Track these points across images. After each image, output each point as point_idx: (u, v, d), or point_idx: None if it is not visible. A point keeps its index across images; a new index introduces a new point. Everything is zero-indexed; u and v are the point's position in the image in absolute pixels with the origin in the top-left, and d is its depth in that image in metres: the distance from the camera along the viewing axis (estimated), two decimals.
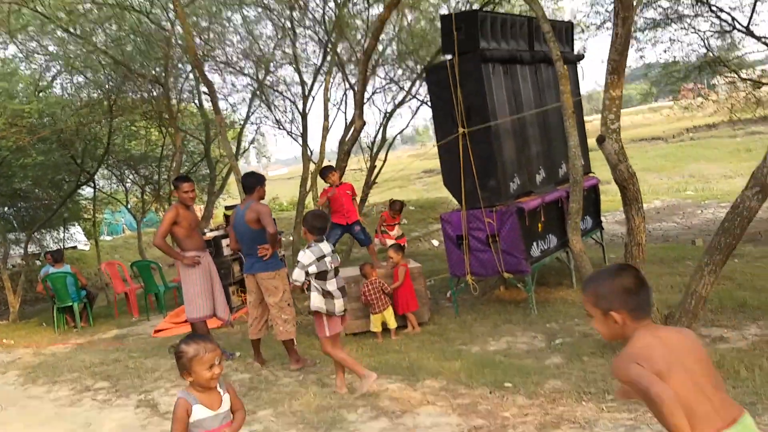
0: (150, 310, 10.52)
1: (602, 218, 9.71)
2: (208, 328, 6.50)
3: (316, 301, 4.73)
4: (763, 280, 7.35)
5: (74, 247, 18.90)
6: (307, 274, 4.68)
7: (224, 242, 9.68)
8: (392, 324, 7.05)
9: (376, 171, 13.67)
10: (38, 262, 15.88)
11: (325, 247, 4.81)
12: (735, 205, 4.73)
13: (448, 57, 7.35)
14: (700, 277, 4.90)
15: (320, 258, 4.73)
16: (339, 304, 4.77)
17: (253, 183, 5.99)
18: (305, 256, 4.69)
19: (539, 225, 7.59)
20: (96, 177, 14.41)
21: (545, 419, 3.79)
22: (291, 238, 14.25)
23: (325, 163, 11.01)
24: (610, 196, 19.22)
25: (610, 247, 10.48)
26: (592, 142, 9.18)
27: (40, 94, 11.90)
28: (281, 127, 14.29)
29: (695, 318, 5.09)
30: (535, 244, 7.51)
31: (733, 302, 6.55)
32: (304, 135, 12.85)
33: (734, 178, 24.95)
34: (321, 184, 9.85)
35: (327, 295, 4.74)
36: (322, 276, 4.74)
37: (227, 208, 11.26)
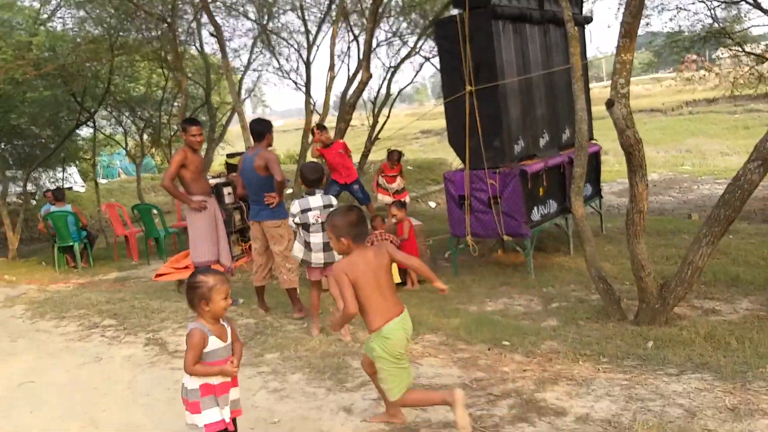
0: (150, 255, 10.62)
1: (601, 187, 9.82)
2: None
3: (296, 249, 5.16)
4: (756, 256, 7.52)
5: (70, 188, 18.84)
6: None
7: (225, 190, 9.74)
8: (396, 279, 7.16)
9: (378, 126, 13.65)
10: (33, 202, 15.88)
11: (315, 200, 5.06)
12: (736, 178, 4.82)
13: (458, 11, 7.31)
14: (698, 248, 5.01)
15: (305, 210, 5.02)
16: (316, 256, 5.07)
17: (262, 130, 5.99)
18: (293, 206, 5.06)
19: (541, 189, 7.69)
20: (95, 117, 14.29)
21: (543, 375, 3.96)
22: (290, 191, 14.32)
23: (329, 117, 11.02)
24: (608, 167, 19.34)
25: (606, 217, 10.62)
26: (595, 109, 9.29)
27: (41, 28, 11.67)
28: (285, 75, 14.17)
29: (690, 288, 5.23)
30: (535, 208, 7.62)
31: (726, 276, 6.72)
32: (307, 85, 12.77)
33: (731, 155, 25.08)
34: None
35: (306, 245, 5.07)
36: (305, 228, 5.04)
37: (229, 156, 11.28)
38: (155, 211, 10.81)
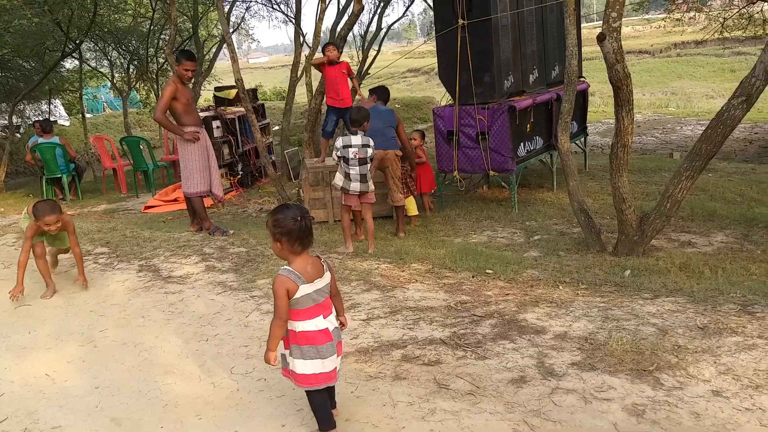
0: (138, 188, 10.65)
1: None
2: (204, 204, 6.71)
3: (337, 179, 5.90)
4: (733, 192, 7.73)
5: (55, 122, 18.61)
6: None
7: (214, 124, 9.76)
8: (413, 211, 7.33)
9: (368, 62, 13.54)
10: (18, 135, 15.72)
11: (356, 139, 5.75)
12: (720, 113, 4.93)
13: None
14: (678, 182, 5.16)
15: (346, 146, 5.75)
16: (354, 185, 5.81)
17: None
18: (338, 141, 5.80)
19: (528, 125, 7.78)
20: (81, 49, 14.02)
21: (525, 299, 4.14)
22: (277, 127, 14.27)
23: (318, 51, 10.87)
24: (593, 107, 19.35)
25: (590, 156, 10.76)
26: (584, 49, 9.28)
27: None
28: (273, 6, 13.90)
29: (668, 221, 5.40)
30: (522, 144, 7.72)
31: (703, 211, 6.93)
32: (297, 16, 12.52)
33: (716, 98, 25.18)
34: (315, 74, 9.74)
35: (346, 176, 5.81)
36: (345, 161, 5.78)
37: (217, 89, 11.22)
38: (144, 144, 10.78)
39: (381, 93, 7.14)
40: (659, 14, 31.64)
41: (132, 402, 3.14)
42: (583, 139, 9.81)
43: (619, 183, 5.42)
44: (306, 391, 2.67)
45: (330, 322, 2.67)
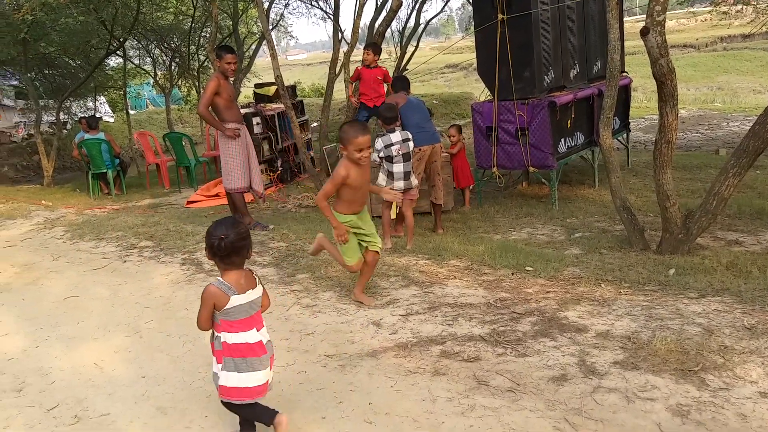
0: (180, 183, 10.84)
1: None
2: (244, 199, 6.79)
3: (380, 179, 5.90)
4: None
5: (100, 118, 19.08)
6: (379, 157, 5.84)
7: (254, 120, 9.87)
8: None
9: (406, 58, 13.52)
10: (65, 131, 16.15)
11: (395, 136, 5.75)
12: None
13: None
14: (725, 179, 5.04)
15: (388, 145, 5.75)
16: (397, 184, 5.83)
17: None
18: (378, 143, 5.77)
19: (569, 121, 7.69)
20: (124, 47, 14.33)
21: (566, 297, 4.10)
22: (315, 123, 14.35)
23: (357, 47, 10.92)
24: (636, 103, 19.01)
25: (632, 152, 10.57)
26: (626, 43, 9.10)
27: None
28: (312, 3, 13.98)
29: (714, 219, 5.28)
30: (563, 140, 7.64)
31: (751, 209, 6.75)
32: (336, 12, 12.57)
33: (763, 93, 24.48)
34: (353, 69, 9.78)
35: (390, 175, 5.84)
36: (389, 160, 5.79)
37: (257, 86, 11.34)
38: (186, 140, 10.97)
39: (405, 84, 6.94)
40: (705, 7, 30.87)
41: (177, 391, 3.21)
42: (625, 136, 9.64)
43: (663, 180, 5.31)
44: (233, 404, 2.64)
45: (263, 335, 2.67)
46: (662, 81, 5.07)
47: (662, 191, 5.33)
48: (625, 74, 8.99)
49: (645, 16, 5.19)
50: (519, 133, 7.41)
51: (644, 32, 5.01)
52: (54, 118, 14.03)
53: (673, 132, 5.22)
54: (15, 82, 15.50)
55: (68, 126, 16.24)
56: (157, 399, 3.16)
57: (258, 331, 2.64)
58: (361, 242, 4.13)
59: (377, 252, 4.20)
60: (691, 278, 4.53)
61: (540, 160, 7.42)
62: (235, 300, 2.55)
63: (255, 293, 2.64)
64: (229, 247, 2.54)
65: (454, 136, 7.96)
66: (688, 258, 5.15)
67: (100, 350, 3.80)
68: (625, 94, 9.08)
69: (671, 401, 2.74)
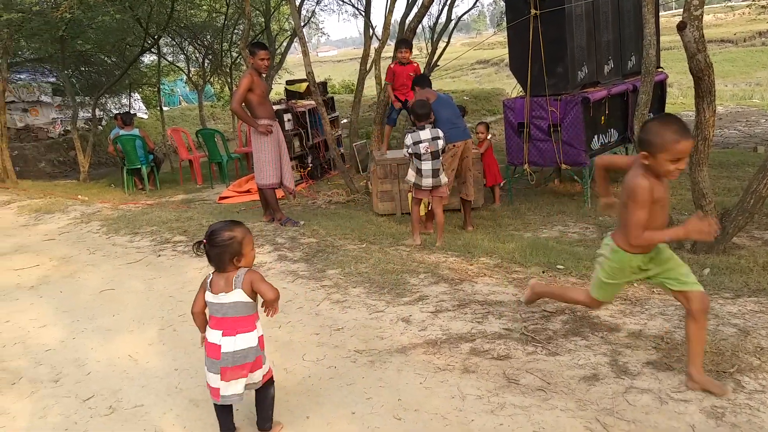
0: (213, 179, 10.97)
1: None
2: (276, 195, 6.85)
3: (409, 175, 5.92)
4: None
5: (134, 115, 19.39)
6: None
7: (285, 117, 9.94)
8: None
9: (437, 54, 13.47)
10: (100, 128, 16.45)
11: (425, 133, 5.74)
12: None
13: None
14: (763, 177, 4.93)
15: (416, 142, 5.74)
16: (426, 181, 5.83)
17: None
18: (407, 139, 5.82)
19: (602, 117, 7.59)
20: (159, 44, 14.54)
21: None
22: (346, 120, 14.40)
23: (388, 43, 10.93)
24: (671, 100, 18.68)
25: None
26: (662, 39, 8.96)
27: None
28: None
29: (751, 218, 5.17)
30: (596, 136, 7.54)
31: None
32: (367, 8, 12.58)
33: None
34: (384, 67, 9.80)
35: (418, 172, 5.81)
36: (417, 156, 5.77)
37: (288, 83, 11.42)
38: (218, 137, 11.09)
39: (427, 83, 6.82)
40: (743, 1, 30.19)
41: None
42: None
43: (699, 178, 5.22)
44: None
45: (228, 343, 2.60)
46: (699, 77, 4.98)
47: (698, 189, 5.24)
48: (660, 70, 8.84)
49: (681, 10, 5.09)
50: (551, 129, 7.34)
51: (681, 27, 4.92)
52: (90, 115, 14.28)
53: (710, 129, 5.12)
54: (52, 79, 15.81)
55: (103, 122, 16.53)
56: (190, 392, 3.21)
57: (224, 336, 2.61)
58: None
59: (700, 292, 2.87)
60: (727, 278, 4.45)
61: (572, 157, 7.34)
62: (207, 296, 2.67)
63: (227, 297, 2.60)
64: (206, 250, 2.65)
65: (482, 134, 7.93)
66: (723, 258, 5.05)
67: (135, 342, 3.88)
68: (660, 90, 8.92)
69: (705, 403, 2.70)
